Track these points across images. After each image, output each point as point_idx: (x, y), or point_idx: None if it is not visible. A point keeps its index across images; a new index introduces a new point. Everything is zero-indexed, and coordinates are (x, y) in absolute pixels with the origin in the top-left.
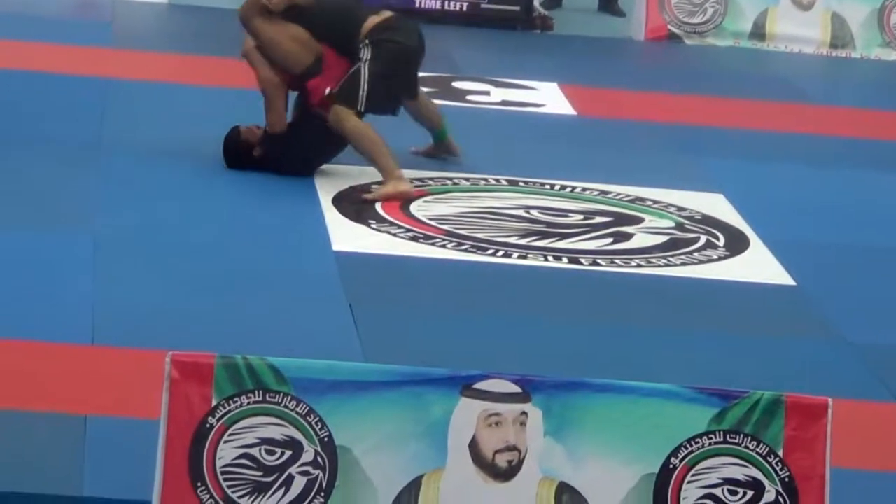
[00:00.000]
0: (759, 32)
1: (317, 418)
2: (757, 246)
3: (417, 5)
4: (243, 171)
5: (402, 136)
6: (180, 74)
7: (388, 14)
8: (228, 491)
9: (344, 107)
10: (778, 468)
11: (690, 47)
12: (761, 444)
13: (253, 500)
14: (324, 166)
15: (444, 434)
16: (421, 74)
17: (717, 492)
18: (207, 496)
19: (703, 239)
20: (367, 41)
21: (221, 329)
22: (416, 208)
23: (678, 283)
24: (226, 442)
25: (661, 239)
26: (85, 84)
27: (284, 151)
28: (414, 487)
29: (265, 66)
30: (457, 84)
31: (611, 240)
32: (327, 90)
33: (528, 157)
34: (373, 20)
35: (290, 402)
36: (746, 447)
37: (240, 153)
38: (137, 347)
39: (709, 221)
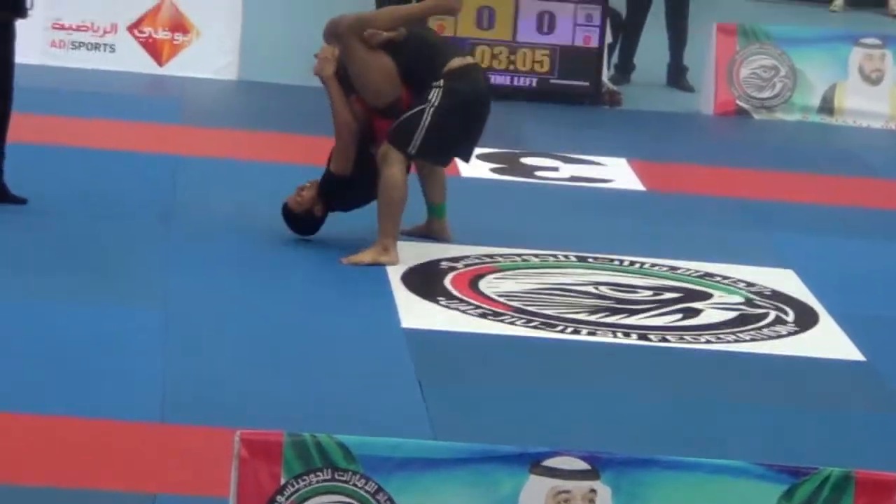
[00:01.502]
0: (827, 107)
1: (386, 497)
2: (826, 321)
3: None
4: (311, 248)
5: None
6: (249, 151)
7: (470, 60)
8: None
9: (395, 150)
10: None
11: (759, 122)
12: None
13: None
14: None
15: None
16: (489, 150)
17: None
18: None
19: (773, 315)
20: (440, 83)
21: (290, 406)
22: (486, 285)
23: (747, 358)
24: None
25: (731, 315)
26: (155, 161)
27: (340, 193)
28: None
29: (345, 108)
30: (525, 160)
31: (680, 316)
32: None
33: (597, 232)
34: (455, 62)
35: (358, 481)
36: None
37: (304, 221)
38: (207, 425)
39: (778, 297)
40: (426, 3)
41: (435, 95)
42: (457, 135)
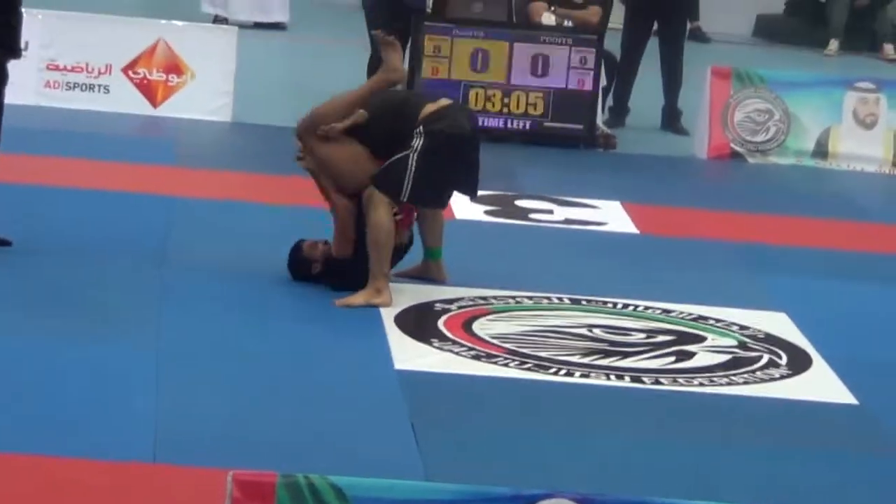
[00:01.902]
0: (821, 151)
1: None
2: (819, 365)
3: (481, 124)
4: (305, 288)
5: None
6: (243, 192)
7: (444, 102)
8: None
9: (383, 195)
10: None
11: (753, 165)
12: None
13: None
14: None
15: None
16: (484, 193)
17: None
18: None
19: (766, 358)
20: (420, 129)
21: (283, 448)
22: (479, 327)
23: (740, 401)
24: None
25: (724, 358)
26: (149, 202)
27: (343, 275)
28: None
29: (336, 192)
30: (520, 202)
31: (673, 358)
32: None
33: (591, 275)
34: (428, 108)
35: None
36: None
37: (301, 267)
38: (199, 466)
39: (771, 340)
40: (369, 82)
41: (416, 141)
42: (446, 175)
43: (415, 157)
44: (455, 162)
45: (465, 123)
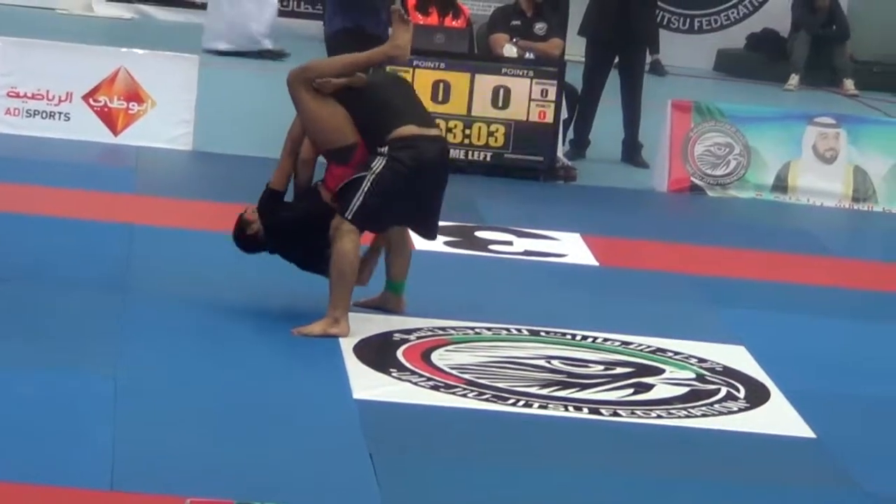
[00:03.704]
0: (781, 185)
1: None
2: (777, 398)
3: None
4: (264, 318)
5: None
6: (204, 221)
7: (427, 131)
8: None
9: (347, 222)
10: None
11: (713, 199)
12: None
13: None
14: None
15: None
16: (444, 224)
17: None
18: None
19: (724, 391)
20: (385, 150)
21: (240, 476)
22: (438, 357)
23: (698, 434)
24: None
25: (682, 390)
26: (109, 230)
27: (286, 234)
28: None
29: (297, 125)
30: (480, 234)
31: (631, 390)
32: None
33: (550, 307)
34: (406, 130)
35: None
36: None
37: (248, 240)
38: (157, 493)
39: (729, 373)
40: (371, 51)
41: (377, 163)
42: (395, 205)
43: (370, 180)
44: (407, 195)
45: (433, 158)
